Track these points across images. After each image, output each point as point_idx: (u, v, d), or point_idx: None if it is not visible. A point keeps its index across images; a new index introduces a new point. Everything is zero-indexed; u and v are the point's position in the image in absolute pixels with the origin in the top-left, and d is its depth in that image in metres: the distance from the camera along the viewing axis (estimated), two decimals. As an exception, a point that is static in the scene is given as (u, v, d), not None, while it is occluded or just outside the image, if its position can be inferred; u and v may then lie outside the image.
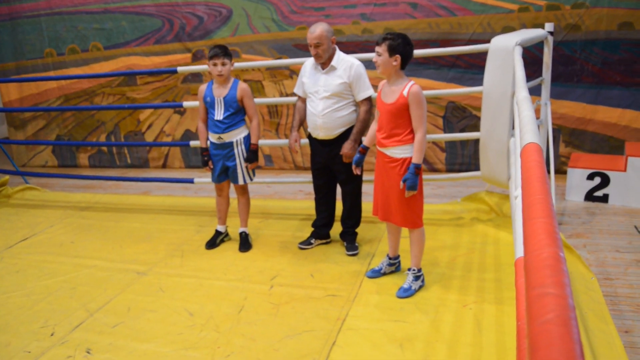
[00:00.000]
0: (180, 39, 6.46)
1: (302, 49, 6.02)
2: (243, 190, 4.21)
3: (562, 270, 1.26)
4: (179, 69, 4.97)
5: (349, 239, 4.04)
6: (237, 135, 3.95)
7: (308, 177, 5.49)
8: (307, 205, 5.06)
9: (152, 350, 2.91)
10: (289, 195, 5.56)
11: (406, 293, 3.32)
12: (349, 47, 5.56)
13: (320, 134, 3.78)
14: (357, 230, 4.09)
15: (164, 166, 7.02)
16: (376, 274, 3.60)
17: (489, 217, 4.42)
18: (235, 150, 3.97)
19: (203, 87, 3.97)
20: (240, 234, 4.24)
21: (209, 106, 3.95)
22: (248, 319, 3.17)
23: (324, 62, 3.71)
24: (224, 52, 3.78)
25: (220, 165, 4.04)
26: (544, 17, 5.16)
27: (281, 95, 6.26)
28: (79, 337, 3.07)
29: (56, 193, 6.03)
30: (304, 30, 5.97)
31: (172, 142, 6.81)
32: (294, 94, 4.07)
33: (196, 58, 6.45)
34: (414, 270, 3.37)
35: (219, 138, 3.94)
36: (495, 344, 2.77)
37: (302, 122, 4.00)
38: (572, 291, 3.02)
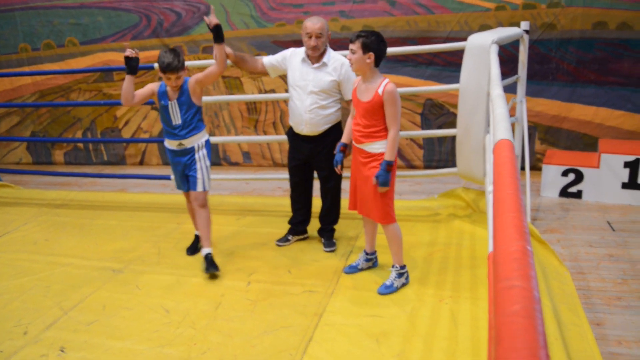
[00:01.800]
0: (157, 35, 6.39)
1: (280, 46, 6.00)
2: (202, 202, 3.73)
3: (529, 263, 1.28)
4: (156, 65, 4.91)
5: (327, 236, 4.05)
6: (198, 140, 3.68)
7: (287, 174, 5.49)
8: (286, 202, 5.03)
9: (127, 348, 2.89)
10: (267, 192, 5.55)
11: (387, 290, 3.33)
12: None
13: (305, 130, 3.74)
14: (335, 226, 4.10)
15: (141, 163, 6.95)
16: (353, 269, 3.61)
17: (466, 213, 4.46)
18: (197, 155, 3.68)
19: (155, 86, 3.63)
20: (205, 256, 3.68)
21: (163, 111, 3.62)
22: (225, 315, 3.16)
23: (316, 57, 3.65)
24: (177, 65, 3.41)
25: (181, 174, 3.76)
26: (520, 15, 5.23)
27: (260, 91, 6.24)
28: (52, 335, 3.03)
29: (30, 190, 5.94)
30: (283, 27, 5.96)
31: (149, 138, 6.74)
32: (260, 56, 3.96)
33: (174, 54, 6.38)
34: (396, 267, 3.39)
35: (180, 144, 3.64)
36: (470, 337, 2.80)
37: (240, 58, 3.90)
38: (546, 285, 3.07)
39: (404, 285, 3.39)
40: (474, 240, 3.98)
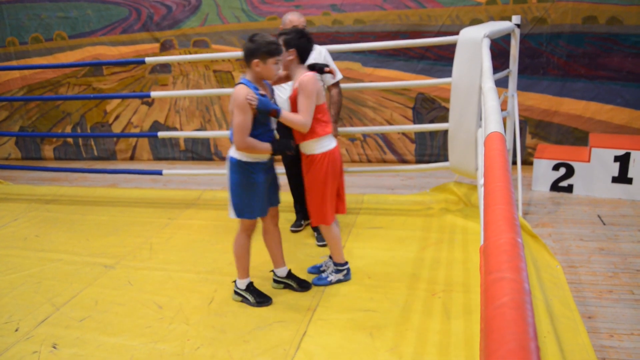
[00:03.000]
0: (148, 29, 6.34)
1: (272, 40, 5.97)
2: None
3: (519, 255, 1.28)
4: (147, 59, 4.88)
5: (319, 229, 4.04)
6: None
7: (278, 168, 5.48)
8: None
9: (120, 343, 2.87)
10: (259, 186, 5.53)
11: (320, 281, 3.38)
12: (320, 38, 5.54)
13: None
14: None
15: (131, 158, 6.91)
16: (315, 269, 3.59)
17: (458, 207, 4.48)
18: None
19: (246, 93, 2.82)
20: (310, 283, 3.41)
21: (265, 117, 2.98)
22: (218, 310, 3.16)
23: None
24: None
25: (266, 192, 3.20)
26: (511, 10, 5.23)
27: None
28: (44, 332, 3.01)
29: (20, 186, 5.88)
30: (274, 20, 5.93)
31: (140, 133, 6.70)
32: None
33: (164, 48, 6.34)
34: (334, 263, 3.40)
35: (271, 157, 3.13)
36: (463, 330, 2.82)
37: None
38: (537, 279, 3.08)
39: (340, 281, 3.39)
40: (466, 235, 3.99)
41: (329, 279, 3.39)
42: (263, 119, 2.94)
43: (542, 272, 3.35)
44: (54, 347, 2.86)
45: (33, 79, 6.85)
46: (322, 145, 3.11)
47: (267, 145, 2.97)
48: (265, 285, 3.38)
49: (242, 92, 2.82)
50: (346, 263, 3.43)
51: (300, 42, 3.02)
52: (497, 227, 1.42)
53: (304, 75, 3.00)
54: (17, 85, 6.94)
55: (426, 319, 2.95)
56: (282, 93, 3.76)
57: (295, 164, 4.01)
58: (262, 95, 2.88)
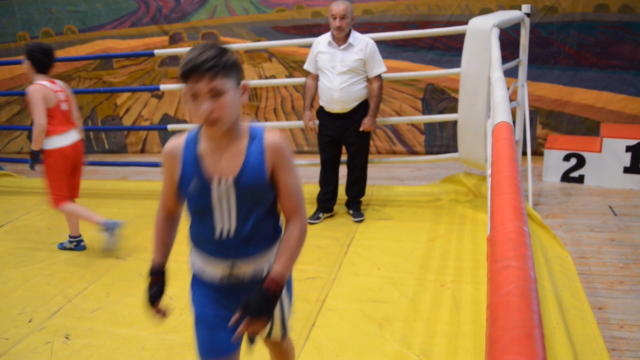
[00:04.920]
0: (157, 22, 6.35)
1: (280, 32, 5.97)
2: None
3: (525, 243, 1.28)
4: (156, 51, 4.91)
5: (355, 207, 4.26)
6: None
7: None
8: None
9: (131, 334, 2.91)
10: (269, 179, 5.54)
11: (60, 246, 4.02)
12: (327, 29, 5.51)
13: (336, 108, 3.97)
14: (362, 199, 4.32)
15: (142, 151, 6.95)
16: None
17: (467, 198, 4.46)
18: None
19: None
20: None
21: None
22: (228, 302, 3.17)
23: (341, 39, 3.90)
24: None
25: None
26: (522, -1, 5.18)
27: (260, 78, 6.21)
28: (57, 323, 3.05)
29: (32, 179, 5.93)
30: (283, 12, 5.92)
31: (150, 126, 6.73)
32: (305, 72, 4.18)
33: (173, 41, 6.36)
34: (70, 235, 3.97)
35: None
36: (472, 321, 2.82)
37: (313, 100, 4.15)
38: (547, 269, 3.08)
39: (72, 249, 3.96)
40: (475, 226, 3.98)
41: (63, 244, 3.99)
42: None
43: (552, 262, 3.33)
44: (67, 338, 2.90)
45: (44, 73, 6.89)
46: (52, 142, 3.65)
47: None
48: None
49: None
50: (79, 236, 3.98)
51: (34, 55, 3.60)
52: (504, 216, 1.42)
53: (30, 86, 3.57)
54: (28, 79, 6.97)
55: (435, 310, 2.96)
56: (349, 56, 3.89)
57: (331, 148, 4.13)
58: None
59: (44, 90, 3.58)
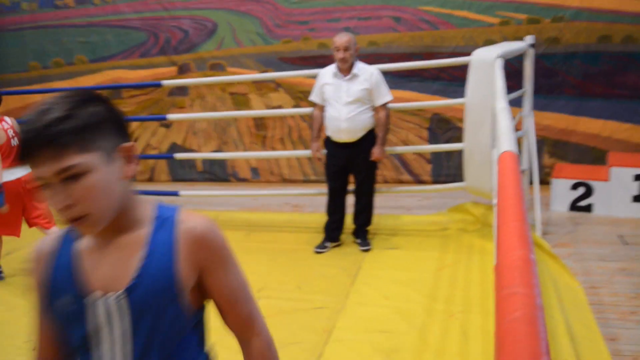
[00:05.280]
0: (165, 53, 6.46)
1: (287, 62, 6.05)
2: None
3: (532, 271, 1.28)
4: (164, 82, 4.98)
5: (363, 236, 4.26)
6: None
7: (296, 189, 5.50)
8: (294, 218, 5.07)
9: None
10: (275, 207, 5.54)
11: None
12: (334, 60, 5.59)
13: (343, 137, 4.01)
14: (369, 227, 4.32)
15: (150, 179, 6.98)
16: None
17: (475, 227, 4.44)
18: None
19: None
20: None
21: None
22: (234, 331, 3.14)
23: (346, 70, 3.94)
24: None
25: None
26: (525, 30, 5.25)
27: (267, 108, 6.27)
28: (62, 352, 3.02)
29: (40, 207, 5.96)
30: (289, 43, 6.01)
31: (158, 154, 6.77)
32: (311, 103, 4.24)
33: (182, 71, 6.45)
34: None
35: None
36: (481, 352, 2.77)
37: (320, 131, 4.18)
38: (558, 300, 3.04)
39: None
40: (483, 255, 3.95)
41: None
42: None
43: (563, 293, 3.29)
44: (72, 368, 2.87)
45: (54, 103, 6.99)
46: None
47: None
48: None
49: None
50: None
51: None
52: (510, 244, 1.42)
53: None
54: (38, 109, 7.07)
55: (444, 341, 2.92)
56: (355, 86, 3.94)
57: (339, 177, 4.14)
58: None
59: None
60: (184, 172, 6.80)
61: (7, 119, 3.95)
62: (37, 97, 6.96)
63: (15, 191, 3.79)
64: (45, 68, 6.91)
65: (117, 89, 6.69)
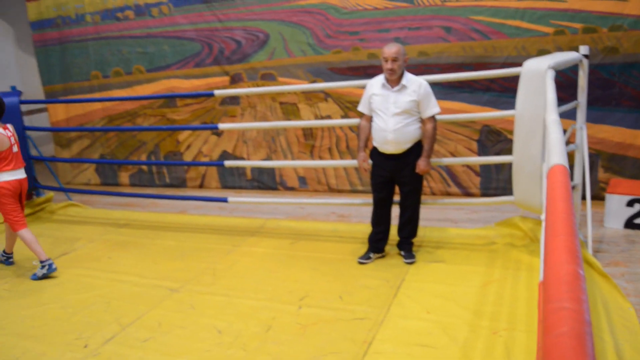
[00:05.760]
0: (218, 63, 6.64)
1: (336, 72, 6.10)
2: None
3: (580, 287, 1.25)
4: (216, 92, 5.11)
5: (407, 248, 4.24)
6: None
7: (342, 199, 5.53)
8: (340, 227, 5.09)
9: (180, 366, 2.96)
10: (321, 217, 5.58)
11: (34, 277, 4.27)
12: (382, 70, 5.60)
13: (390, 149, 4.00)
14: (414, 240, 4.30)
15: (201, 186, 7.17)
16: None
17: (523, 242, 4.33)
18: None
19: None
20: None
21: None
22: (275, 338, 3.19)
23: (394, 81, 3.94)
24: None
25: None
26: (580, 40, 5.10)
27: (316, 117, 6.33)
28: (110, 349, 3.15)
29: (97, 210, 6.23)
30: (339, 54, 6.06)
31: (208, 162, 6.95)
32: (359, 113, 4.24)
33: (234, 81, 6.61)
34: (40, 261, 4.28)
35: None
36: (524, 372, 2.71)
37: (367, 141, 4.19)
38: (607, 321, 2.93)
39: (45, 275, 4.26)
40: (531, 271, 3.85)
41: (37, 275, 4.27)
42: None
43: (613, 314, 3.17)
44: (119, 366, 2.99)
45: (114, 110, 7.31)
46: (2, 177, 4.21)
47: None
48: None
49: None
50: (49, 259, 4.29)
51: None
52: (559, 258, 1.39)
53: None
54: (99, 116, 7.41)
55: (486, 358, 2.86)
56: (403, 97, 3.92)
57: (385, 188, 4.16)
58: None
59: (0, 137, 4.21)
60: (234, 180, 6.95)
61: (9, 126, 4.38)
62: (97, 105, 7.31)
63: (16, 190, 4.32)
64: (106, 77, 7.23)
65: (171, 98, 6.92)
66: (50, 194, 6.37)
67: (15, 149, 4.37)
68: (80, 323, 3.51)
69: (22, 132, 5.90)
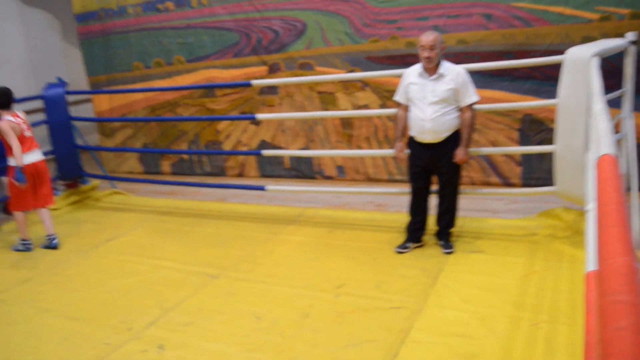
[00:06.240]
0: (257, 52, 6.68)
1: (374, 61, 6.07)
2: None
3: (636, 280, 1.22)
4: (253, 82, 5.17)
5: (445, 238, 4.22)
6: None
7: (380, 188, 5.52)
8: (377, 216, 5.09)
9: (219, 350, 3.03)
10: (358, 206, 5.59)
11: (14, 247, 4.88)
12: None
13: (428, 138, 3.97)
14: (452, 230, 4.26)
15: (240, 175, 7.26)
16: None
17: (565, 234, 4.24)
18: None
19: None
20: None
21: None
22: (312, 325, 3.23)
23: (431, 69, 3.90)
24: None
25: None
26: (627, 26, 4.91)
27: (354, 107, 6.32)
28: (153, 333, 3.25)
29: (140, 198, 6.40)
30: (377, 42, 6.02)
31: (247, 151, 7.02)
32: (396, 102, 4.22)
33: (272, 70, 6.65)
34: (22, 239, 4.86)
35: None
36: (564, 365, 2.67)
37: (405, 131, 4.16)
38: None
39: (21, 250, 4.80)
40: (573, 263, 3.78)
41: (16, 246, 4.83)
42: None
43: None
44: (160, 348, 3.08)
45: (155, 100, 7.46)
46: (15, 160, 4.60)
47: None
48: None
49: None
50: (29, 240, 4.84)
51: None
52: (614, 249, 1.36)
53: (0, 122, 4.54)
54: (141, 106, 7.58)
55: (525, 350, 2.83)
56: (440, 86, 3.87)
57: (422, 178, 4.14)
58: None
59: (10, 123, 4.59)
60: (272, 169, 7.02)
61: (19, 113, 4.77)
62: (139, 96, 7.47)
63: (29, 172, 4.65)
64: (147, 68, 7.38)
65: (211, 88, 7.02)
66: (96, 182, 6.56)
67: (28, 133, 4.75)
68: (125, 307, 3.63)
69: (67, 122, 6.10)
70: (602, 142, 2.26)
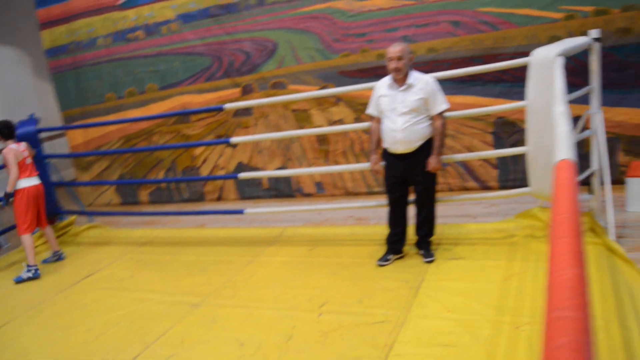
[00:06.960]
0: (229, 75, 6.68)
1: (346, 76, 6.09)
2: None
3: (583, 292, 1.21)
4: (226, 106, 5.15)
5: (425, 247, 4.20)
6: None
7: (359, 202, 5.50)
8: (357, 231, 5.07)
9: (202, 380, 2.97)
10: (339, 221, 5.56)
11: (17, 279, 4.94)
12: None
13: (400, 148, 3.97)
14: (431, 238, 4.26)
15: (219, 199, 7.21)
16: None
17: (543, 233, 4.25)
18: None
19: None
20: None
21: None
22: (296, 347, 3.19)
23: (400, 80, 3.92)
24: None
25: None
26: (592, 23, 4.99)
27: (328, 122, 6.32)
28: (134, 369, 3.18)
29: (119, 230, 6.31)
30: (348, 56, 6.05)
31: (223, 175, 6.96)
32: (369, 116, 4.24)
33: (245, 92, 6.64)
34: (28, 264, 5.00)
35: None
36: (548, 367, 2.64)
37: (379, 143, 4.17)
38: (633, 308, 2.85)
39: (30, 278, 4.94)
40: (553, 263, 3.77)
41: (22, 277, 4.94)
42: None
43: (638, 300, 3.08)
44: (142, 384, 3.01)
45: (130, 130, 7.41)
46: (19, 184, 5.03)
47: None
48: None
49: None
50: (36, 265, 5.01)
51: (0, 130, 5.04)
52: (561, 262, 1.35)
53: (4, 149, 5.01)
54: (116, 136, 7.53)
55: (510, 355, 2.81)
56: (410, 96, 3.89)
57: (398, 188, 4.13)
58: None
59: (13, 151, 5.01)
60: (251, 190, 6.98)
61: (22, 144, 5.21)
62: (114, 126, 7.42)
63: (32, 195, 5.08)
64: (120, 98, 7.35)
65: (184, 114, 6.99)
66: (73, 217, 6.48)
67: (29, 160, 5.19)
68: (106, 344, 3.55)
69: (41, 160, 6.03)
70: (560, 146, 2.27)
